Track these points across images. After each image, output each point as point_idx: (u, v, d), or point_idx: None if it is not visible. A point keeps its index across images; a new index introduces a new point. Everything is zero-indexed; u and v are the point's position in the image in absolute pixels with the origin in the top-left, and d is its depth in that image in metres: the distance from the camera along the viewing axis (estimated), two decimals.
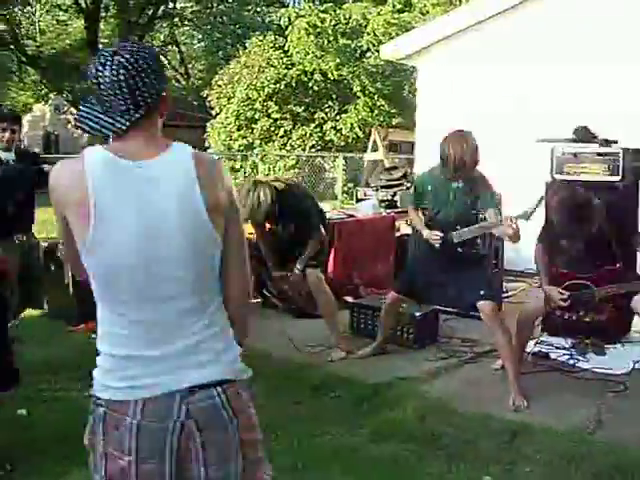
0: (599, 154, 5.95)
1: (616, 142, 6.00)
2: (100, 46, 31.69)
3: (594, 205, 4.62)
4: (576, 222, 4.55)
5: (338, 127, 20.25)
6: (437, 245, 4.96)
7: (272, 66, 20.25)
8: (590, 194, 4.72)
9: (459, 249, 4.96)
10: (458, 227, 4.90)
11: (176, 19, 34.92)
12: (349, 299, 6.86)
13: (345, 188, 18.57)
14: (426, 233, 5.05)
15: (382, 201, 8.61)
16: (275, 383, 5.15)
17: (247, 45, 22.14)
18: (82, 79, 29.15)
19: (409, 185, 10.08)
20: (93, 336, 4.83)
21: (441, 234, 4.95)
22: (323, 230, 5.81)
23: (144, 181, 1.93)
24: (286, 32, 20.51)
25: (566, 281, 4.94)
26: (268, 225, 5.97)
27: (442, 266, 5.05)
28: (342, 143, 20.24)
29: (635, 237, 4.74)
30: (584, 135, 6.06)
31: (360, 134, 19.53)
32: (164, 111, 2.06)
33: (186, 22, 36.11)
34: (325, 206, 8.49)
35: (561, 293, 4.86)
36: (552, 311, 5.05)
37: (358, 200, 9.27)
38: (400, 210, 8.39)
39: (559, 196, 4.78)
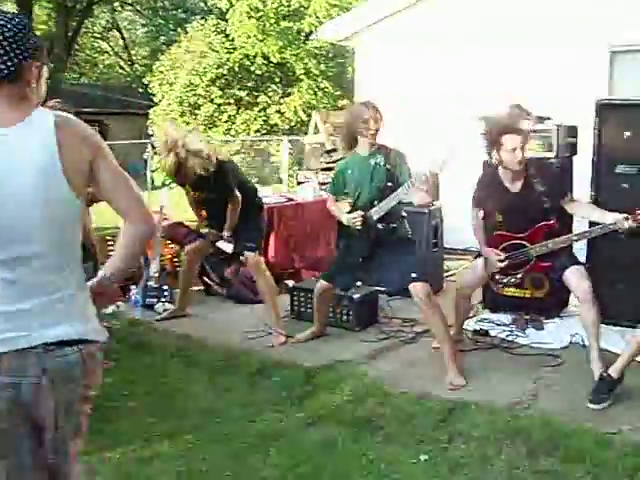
0: (533, 131, 5.97)
1: (549, 119, 6.05)
2: (37, 33, 30.95)
3: (528, 186, 4.64)
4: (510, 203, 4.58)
5: (282, 111, 20.17)
6: (358, 225, 4.94)
7: (214, 51, 20.08)
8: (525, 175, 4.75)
9: (381, 225, 4.94)
10: (376, 203, 4.90)
11: (116, 4, 34.25)
12: (290, 283, 6.82)
13: (291, 172, 18.49)
14: (345, 218, 5.03)
15: (323, 184, 8.54)
16: (214, 369, 5.13)
17: (188, 30, 21.84)
18: None
19: None
20: None
21: (361, 213, 4.93)
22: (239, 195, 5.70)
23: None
24: (227, 16, 20.30)
25: (503, 242, 4.98)
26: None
27: (370, 250, 5.04)
28: (287, 127, 20.17)
29: (566, 197, 4.78)
30: (518, 113, 6.08)
31: (304, 117, 19.47)
32: (30, 79, 2.09)
33: (127, 7, 35.47)
34: (266, 190, 8.44)
35: (497, 254, 4.91)
36: (492, 279, 5.09)
37: (299, 183, 9.20)
38: None
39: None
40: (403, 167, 4.87)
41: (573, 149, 6.18)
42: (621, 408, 4.18)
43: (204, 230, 5.95)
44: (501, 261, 4.91)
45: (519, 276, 5.00)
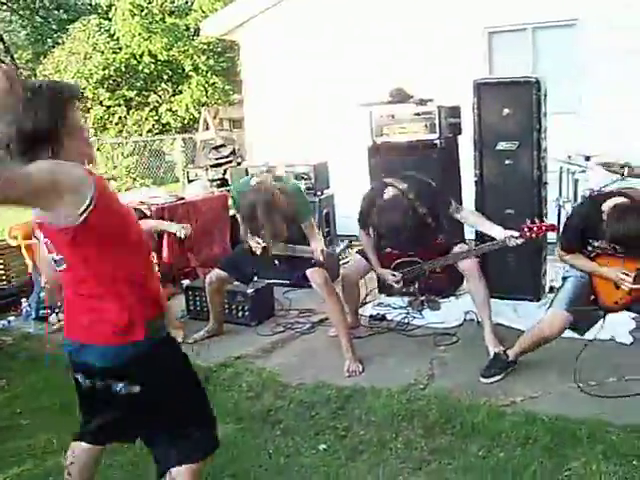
0: (416, 114, 6.03)
1: (431, 100, 6.11)
2: None
3: (410, 213, 4.56)
4: (395, 229, 4.57)
5: (174, 109, 19.86)
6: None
7: (99, 51, 19.56)
8: (403, 200, 4.65)
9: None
10: None
11: None
12: (186, 282, 6.69)
13: (186, 170, 18.21)
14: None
15: (213, 180, 8.45)
16: None
17: (71, 30, 21.21)
18: None
19: (239, 162, 9.96)
20: None
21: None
22: None
23: None
24: (110, 15, 19.83)
25: (395, 259, 5.04)
26: None
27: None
28: (179, 125, 19.87)
29: (450, 209, 4.82)
30: (400, 96, 6.13)
31: (196, 114, 19.21)
32: None
33: (2, 7, 34.14)
34: (156, 190, 8.26)
35: (393, 275, 4.99)
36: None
37: (190, 181, 9.05)
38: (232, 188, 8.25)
39: (379, 208, 4.73)
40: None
41: (457, 129, 6.27)
42: (514, 381, 4.25)
43: None
44: (397, 281, 5.00)
45: (415, 288, 5.11)
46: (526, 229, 4.46)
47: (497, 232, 4.58)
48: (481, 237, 5.09)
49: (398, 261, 5.04)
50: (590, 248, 4.02)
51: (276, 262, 5.06)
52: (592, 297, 4.06)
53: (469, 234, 5.71)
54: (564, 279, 4.24)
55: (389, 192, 4.70)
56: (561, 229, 4.57)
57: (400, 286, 5.05)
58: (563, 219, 5.53)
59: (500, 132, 5.55)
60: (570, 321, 4.05)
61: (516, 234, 4.45)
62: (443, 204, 4.83)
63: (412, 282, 5.10)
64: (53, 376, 5.13)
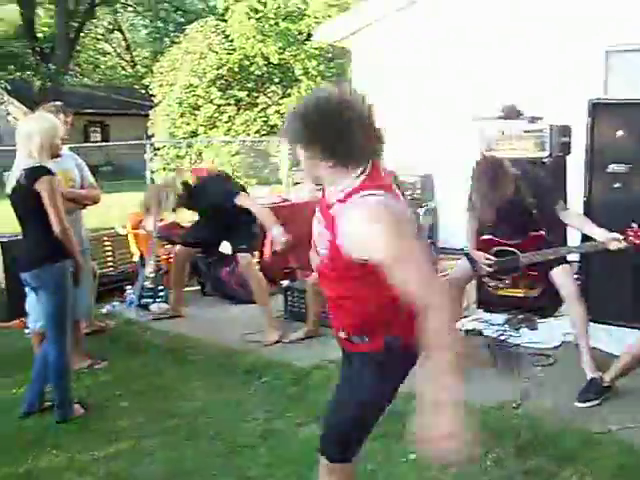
0: (526, 131, 5.99)
1: (542, 119, 6.05)
2: (39, 35, 31.04)
3: (507, 170, 4.57)
4: (490, 186, 4.52)
5: (282, 111, 20.13)
6: None
7: (213, 52, 20.03)
8: (503, 160, 4.67)
9: None
10: None
11: (118, 5, 34.31)
12: (286, 282, 6.82)
13: (291, 173, 18.48)
14: None
15: (318, 185, 8.51)
16: (206, 369, 5.16)
17: (188, 31, 21.85)
18: (21, 69, 28.58)
19: None
20: (26, 332, 4.75)
21: None
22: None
23: None
24: (226, 17, 20.31)
25: (493, 246, 5.00)
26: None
27: None
28: None
29: (557, 206, 4.75)
30: (511, 112, 6.10)
31: None
32: None
33: (128, 9, 35.55)
34: (262, 191, 8.44)
35: (487, 258, 4.94)
36: (484, 283, 5.12)
37: (295, 184, 9.20)
38: None
39: (476, 164, 4.75)
40: None
41: (566, 148, 6.19)
42: (610, 408, 4.18)
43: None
44: (489, 265, 4.93)
45: (507, 282, 5.03)
46: (631, 233, 4.35)
47: (600, 233, 4.46)
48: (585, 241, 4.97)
49: (495, 249, 4.97)
50: None
51: None
52: None
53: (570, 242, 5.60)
54: None
55: (501, 173, 4.67)
56: None
57: (490, 270, 4.97)
58: None
59: (612, 154, 5.45)
60: None
61: (620, 237, 4.35)
62: (551, 198, 4.75)
63: (503, 273, 5.01)
64: (150, 362, 5.37)
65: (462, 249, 6.76)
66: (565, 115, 6.08)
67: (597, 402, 4.22)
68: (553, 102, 6.79)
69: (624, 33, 7.69)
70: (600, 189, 5.52)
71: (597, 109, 5.49)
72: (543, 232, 4.86)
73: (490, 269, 4.96)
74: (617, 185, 5.44)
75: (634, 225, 4.42)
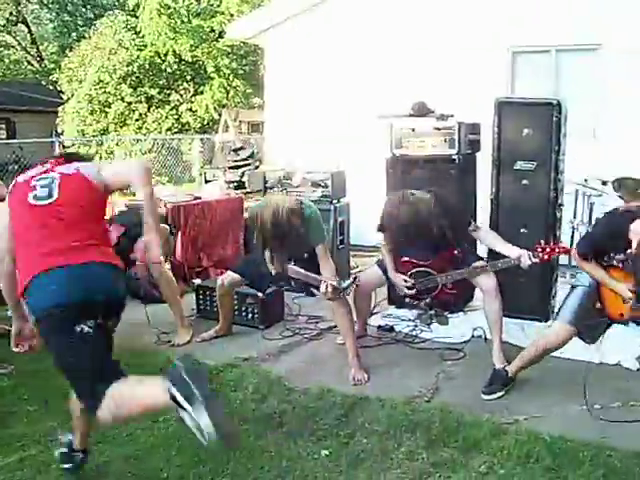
0: (436, 128, 6.06)
1: (452, 116, 6.14)
2: None
3: (430, 219, 4.64)
4: (413, 236, 4.65)
5: (194, 109, 19.96)
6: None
7: (124, 47, 19.67)
8: (425, 209, 4.68)
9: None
10: None
11: None
12: (197, 281, 6.74)
13: (203, 170, 18.28)
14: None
15: (230, 182, 8.49)
16: None
17: (97, 26, 21.36)
18: None
19: (257, 165, 9.99)
20: None
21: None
22: None
23: None
24: (137, 12, 19.96)
25: (410, 268, 5.05)
26: None
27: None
28: (198, 125, 19.97)
29: (470, 227, 4.86)
30: (421, 110, 6.16)
31: (216, 115, 19.31)
32: None
33: (33, 0, 34.37)
34: (171, 189, 8.32)
35: (406, 281, 5.01)
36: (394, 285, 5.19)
37: (207, 182, 9.10)
38: (249, 191, 8.30)
39: (400, 212, 4.74)
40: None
41: (476, 146, 6.30)
42: (519, 399, 4.27)
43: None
44: (409, 288, 5.01)
45: (427, 301, 5.11)
46: (540, 249, 4.49)
47: (512, 251, 4.62)
48: (494, 256, 5.10)
49: (414, 270, 5.04)
50: (606, 258, 4.02)
51: (292, 283, 5.10)
52: (598, 305, 4.07)
53: (482, 254, 5.72)
54: (572, 287, 4.26)
55: (412, 198, 4.71)
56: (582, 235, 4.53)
57: (412, 293, 5.05)
58: (576, 241, 5.53)
59: (519, 152, 5.57)
60: (575, 333, 4.12)
61: (530, 254, 4.49)
62: (463, 221, 4.88)
63: (424, 293, 5.09)
64: None
65: (375, 246, 6.85)
66: (474, 114, 6.18)
67: (502, 393, 4.31)
68: (462, 101, 6.90)
69: (529, 35, 7.92)
70: (508, 185, 5.64)
71: (503, 107, 5.60)
72: (457, 251, 4.94)
73: (410, 292, 5.03)
74: (524, 182, 5.56)
75: (542, 242, 4.60)
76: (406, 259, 5.09)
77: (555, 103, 5.44)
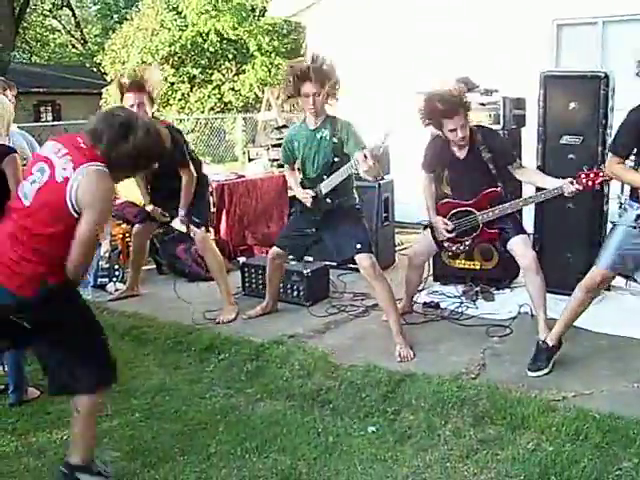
0: (481, 104, 5.99)
1: (497, 91, 6.07)
2: None
3: (474, 153, 4.68)
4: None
5: (236, 88, 19.98)
6: (309, 204, 4.95)
7: (166, 28, 19.75)
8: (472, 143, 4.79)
9: (328, 200, 4.93)
10: (325, 177, 4.88)
11: None
12: (242, 259, 6.79)
13: (245, 149, 18.34)
14: (298, 192, 5.04)
15: (274, 160, 8.50)
16: (165, 347, 5.10)
17: (140, 7, 21.47)
18: None
19: None
20: None
21: (312, 193, 4.94)
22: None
23: None
24: None
25: (451, 210, 5.02)
26: None
27: (317, 222, 5.05)
28: (241, 104, 20.00)
29: (514, 163, 4.83)
30: (466, 85, 6.07)
31: (259, 94, 19.31)
32: None
33: None
34: (217, 167, 8.37)
35: (445, 223, 4.97)
36: (442, 249, 5.21)
37: (250, 160, 9.12)
38: None
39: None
40: (351, 140, 4.78)
41: (521, 121, 6.22)
42: (566, 376, 4.23)
43: (149, 207, 5.76)
44: (448, 231, 4.96)
45: (467, 243, 5.04)
46: (583, 176, 4.41)
47: (554, 182, 4.57)
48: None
49: (454, 211, 5.00)
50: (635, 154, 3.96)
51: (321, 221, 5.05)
52: None
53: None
54: (613, 226, 4.21)
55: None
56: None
57: (452, 236, 5.00)
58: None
59: (565, 126, 5.48)
60: (612, 278, 4.22)
61: (573, 181, 4.42)
62: (508, 155, 4.87)
63: (464, 236, 5.02)
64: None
65: (419, 223, 6.82)
66: (519, 88, 6.10)
67: (548, 370, 4.27)
68: (507, 75, 6.81)
69: (574, 6, 7.76)
70: (553, 160, 5.55)
71: (549, 81, 5.51)
72: (499, 188, 4.89)
73: (449, 234, 4.99)
74: (570, 156, 5.47)
75: (585, 168, 4.53)
76: (445, 201, 5.08)
77: (603, 76, 5.32)
